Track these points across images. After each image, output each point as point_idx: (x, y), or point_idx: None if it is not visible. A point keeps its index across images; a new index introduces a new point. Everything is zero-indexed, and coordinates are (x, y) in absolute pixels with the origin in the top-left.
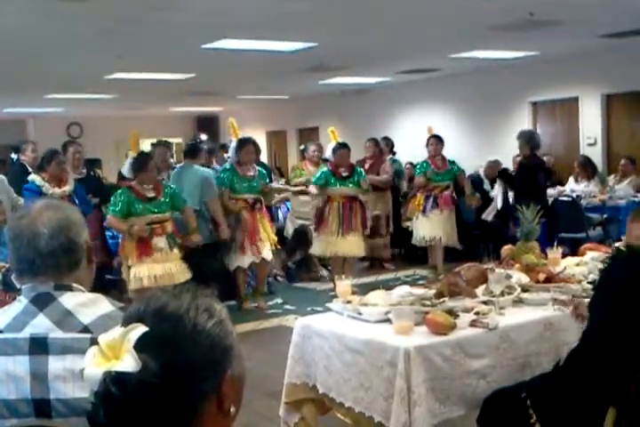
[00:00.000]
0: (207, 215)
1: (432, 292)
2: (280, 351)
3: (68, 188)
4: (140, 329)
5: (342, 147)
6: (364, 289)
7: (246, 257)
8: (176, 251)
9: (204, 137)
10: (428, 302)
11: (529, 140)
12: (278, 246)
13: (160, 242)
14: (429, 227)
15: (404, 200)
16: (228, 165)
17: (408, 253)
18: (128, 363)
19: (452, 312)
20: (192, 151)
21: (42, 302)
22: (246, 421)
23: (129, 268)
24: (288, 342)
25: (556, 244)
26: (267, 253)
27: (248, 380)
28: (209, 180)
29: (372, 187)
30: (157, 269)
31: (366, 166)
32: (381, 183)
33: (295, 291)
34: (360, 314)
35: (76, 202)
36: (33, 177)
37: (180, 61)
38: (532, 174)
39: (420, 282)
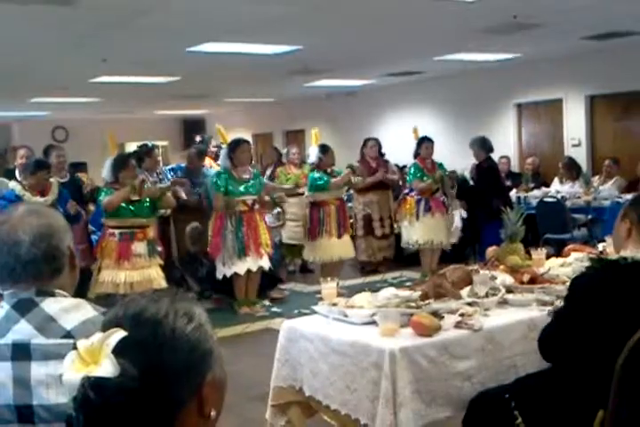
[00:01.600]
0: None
1: (417, 294)
2: (267, 354)
3: (50, 197)
4: (119, 334)
5: (329, 148)
6: (350, 291)
7: (245, 263)
8: (156, 258)
9: (198, 139)
10: (413, 304)
11: (483, 145)
12: (271, 252)
13: (140, 247)
14: (423, 231)
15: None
16: (222, 169)
17: (396, 256)
18: (106, 368)
19: (437, 314)
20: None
21: (23, 307)
22: (233, 424)
23: (99, 270)
24: (275, 345)
25: (540, 244)
26: (265, 262)
27: (234, 383)
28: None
29: (375, 187)
30: (135, 275)
31: (373, 165)
32: (393, 182)
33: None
34: (346, 316)
35: (60, 209)
36: (13, 185)
37: (164, 65)
38: (495, 175)
39: (408, 284)
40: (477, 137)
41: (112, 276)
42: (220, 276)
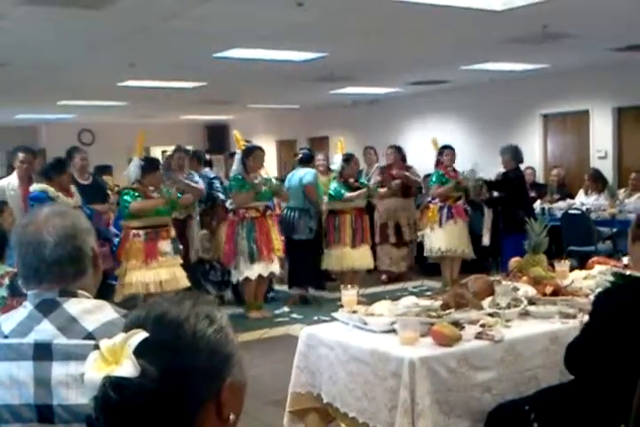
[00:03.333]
0: (312, 213)
1: (438, 303)
2: (285, 360)
3: (76, 198)
4: (141, 335)
5: (351, 158)
6: (370, 299)
7: (257, 268)
8: (179, 257)
9: (189, 147)
10: (433, 314)
11: (515, 154)
12: (282, 256)
13: (165, 245)
14: (445, 238)
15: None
16: (235, 175)
17: (417, 265)
18: (127, 368)
19: (457, 324)
20: (307, 159)
21: (46, 308)
22: None
23: (125, 272)
24: (293, 350)
25: (564, 257)
26: (276, 267)
27: (252, 388)
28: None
29: (396, 194)
30: (163, 273)
31: (394, 172)
32: (416, 183)
33: (301, 301)
34: (365, 324)
35: (86, 211)
36: (43, 186)
37: (191, 70)
38: (522, 185)
39: (428, 293)
40: (510, 145)
41: (141, 276)
42: (234, 280)
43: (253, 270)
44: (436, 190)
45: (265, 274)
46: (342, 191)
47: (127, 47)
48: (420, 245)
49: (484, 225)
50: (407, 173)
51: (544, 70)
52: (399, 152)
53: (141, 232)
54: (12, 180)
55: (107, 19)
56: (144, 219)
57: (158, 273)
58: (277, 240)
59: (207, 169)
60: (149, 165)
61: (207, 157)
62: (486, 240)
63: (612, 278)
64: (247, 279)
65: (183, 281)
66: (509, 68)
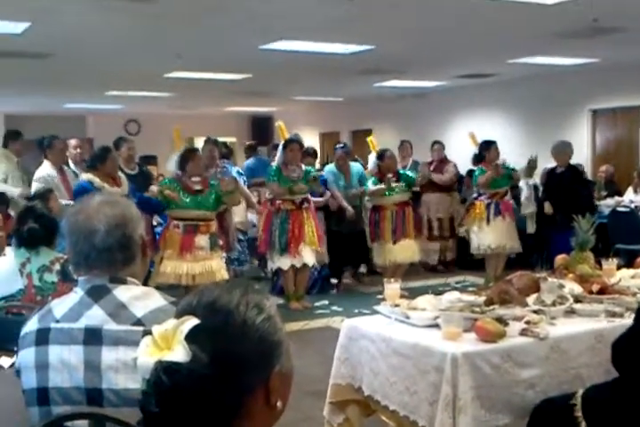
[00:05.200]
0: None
1: (482, 299)
2: (325, 352)
3: (124, 187)
4: (192, 322)
5: (385, 153)
6: (412, 293)
7: (287, 259)
8: (217, 251)
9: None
10: (477, 309)
11: (572, 150)
12: (319, 249)
13: (202, 240)
14: (495, 235)
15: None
16: (274, 166)
17: (459, 260)
18: (179, 353)
19: (501, 320)
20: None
21: (97, 293)
22: (290, 419)
23: (161, 260)
24: (334, 342)
25: (611, 255)
26: (308, 258)
27: (293, 379)
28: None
29: (434, 189)
30: (196, 268)
31: (431, 168)
32: (441, 181)
33: (343, 292)
34: (408, 318)
35: (133, 199)
36: (88, 176)
37: (236, 62)
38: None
39: (470, 289)
40: (565, 142)
41: (175, 267)
42: (270, 269)
43: (284, 261)
44: (480, 180)
45: (298, 265)
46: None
47: (175, 39)
48: (463, 241)
49: (526, 214)
50: (437, 177)
51: (593, 65)
52: (443, 148)
53: (181, 224)
54: (48, 169)
55: (155, 11)
56: (185, 211)
57: (192, 267)
58: (313, 233)
59: (225, 160)
60: (187, 155)
61: (224, 148)
62: (531, 228)
63: None
64: (281, 270)
65: (220, 274)
66: (558, 63)
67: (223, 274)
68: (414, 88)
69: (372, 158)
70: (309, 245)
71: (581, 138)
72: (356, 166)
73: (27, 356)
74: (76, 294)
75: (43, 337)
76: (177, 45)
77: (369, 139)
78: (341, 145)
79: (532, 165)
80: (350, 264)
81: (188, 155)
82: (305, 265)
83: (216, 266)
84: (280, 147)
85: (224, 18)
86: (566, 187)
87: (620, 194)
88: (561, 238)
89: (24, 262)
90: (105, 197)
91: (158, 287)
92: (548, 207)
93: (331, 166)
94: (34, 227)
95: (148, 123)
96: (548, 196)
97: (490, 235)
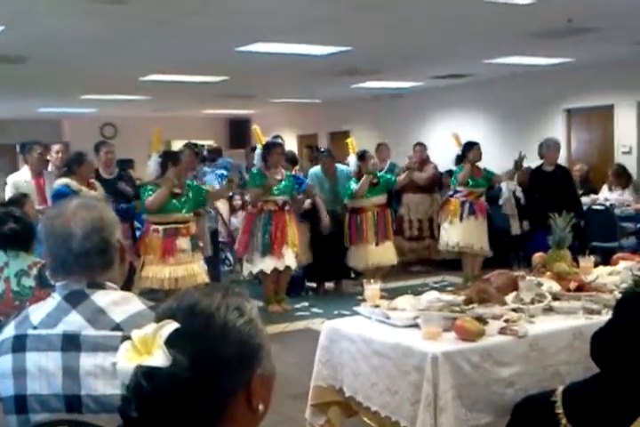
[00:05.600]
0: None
1: (461, 298)
2: (306, 354)
3: (100, 191)
4: (172, 325)
5: (365, 155)
6: (391, 294)
7: (271, 261)
8: (198, 253)
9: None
10: (456, 309)
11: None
12: (298, 252)
13: (184, 243)
14: (463, 233)
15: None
16: (255, 170)
17: (438, 260)
18: (159, 358)
19: (481, 319)
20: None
21: (75, 299)
22: (271, 422)
23: (143, 265)
24: (315, 344)
25: (587, 252)
26: (290, 261)
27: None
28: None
29: (415, 189)
30: (179, 270)
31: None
32: (420, 180)
33: (322, 294)
34: (388, 318)
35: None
36: (66, 181)
37: (213, 64)
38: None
39: (449, 288)
40: (554, 139)
41: (157, 271)
42: (245, 272)
43: (267, 264)
44: (459, 176)
45: (280, 268)
46: (352, 188)
47: (150, 41)
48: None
49: (509, 215)
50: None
51: (568, 64)
52: (425, 150)
53: (160, 228)
54: (25, 174)
55: (130, 12)
56: (164, 215)
57: (175, 270)
58: (294, 235)
59: (202, 165)
60: (172, 157)
61: (204, 152)
62: (516, 229)
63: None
64: (263, 273)
65: (201, 277)
66: (533, 63)
67: (204, 277)
68: (391, 89)
69: (352, 160)
70: (291, 247)
71: (556, 137)
72: (343, 168)
73: (4, 363)
74: (54, 300)
75: (20, 344)
76: (152, 47)
77: (349, 140)
78: (322, 150)
79: (518, 165)
80: (332, 279)
81: (172, 160)
82: (287, 267)
83: (197, 269)
84: (258, 150)
85: (199, 19)
86: (558, 186)
87: (596, 192)
88: (537, 237)
89: (2, 267)
90: (82, 201)
91: (142, 294)
92: (525, 225)
93: (316, 169)
94: (14, 227)
95: (125, 126)
96: (533, 195)
97: (460, 232)
